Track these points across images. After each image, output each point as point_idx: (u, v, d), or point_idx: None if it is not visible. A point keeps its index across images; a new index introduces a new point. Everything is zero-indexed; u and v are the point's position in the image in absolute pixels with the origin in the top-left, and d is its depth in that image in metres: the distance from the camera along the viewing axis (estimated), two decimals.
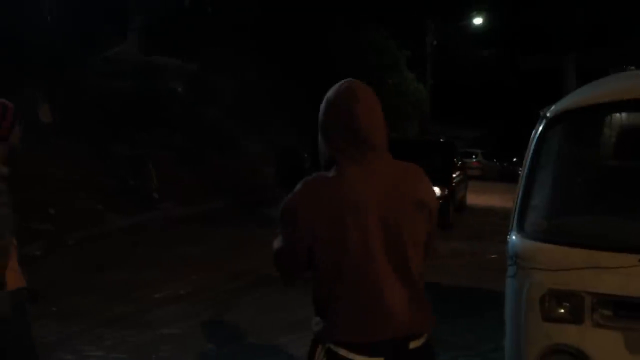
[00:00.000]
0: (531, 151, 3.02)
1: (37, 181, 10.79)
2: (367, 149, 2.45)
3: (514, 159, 32.47)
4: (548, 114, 3.06)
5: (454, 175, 15.35)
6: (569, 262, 2.68)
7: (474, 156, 32.55)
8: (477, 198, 18.35)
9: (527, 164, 3.02)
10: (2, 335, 3.52)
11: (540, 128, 3.04)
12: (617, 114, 3.09)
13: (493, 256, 9.23)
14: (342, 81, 2.58)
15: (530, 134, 3.08)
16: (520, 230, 2.92)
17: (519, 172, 3.12)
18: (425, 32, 35.52)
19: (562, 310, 2.71)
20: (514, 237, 2.94)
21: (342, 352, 2.41)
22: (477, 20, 35.84)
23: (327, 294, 2.46)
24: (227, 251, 10.23)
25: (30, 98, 13.09)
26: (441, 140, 18.18)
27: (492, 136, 40.05)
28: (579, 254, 2.68)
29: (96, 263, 8.96)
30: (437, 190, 14.07)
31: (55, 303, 6.64)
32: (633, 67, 3.62)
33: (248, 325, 6.26)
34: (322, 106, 2.56)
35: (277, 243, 2.53)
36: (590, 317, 2.67)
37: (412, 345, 2.41)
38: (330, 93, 2.56)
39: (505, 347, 2.96)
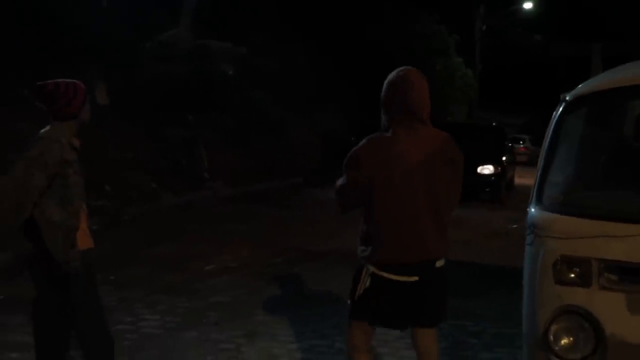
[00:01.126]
0: (550, 132, 3.33)
1: (94, 160, 11.35)
2: (414, 119, 3.42)
3: None
4: (567, 98, 3.36)
5: (504, 157, 16.68)
6: (580, 231, 2.97)
7: (521, 142, 32.42)
8: (524, 179, 18.57)
9: (547, 144, 3.33)
10: (73, 289, 3.96)
11: (559, 111, 3.35)
12: (632, 99, 3.37)
13: None
14: (400, 68, 3.53)
15: None
16: (539, 203, 3.24)
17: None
18: (475, 17, 35.40)
19: (573, 275, 3.00)
20: (532, 210, 3.25)
21: (384, 274, 3.33)
22: (528, 5, 35.53)
23: (375, 227, 3.38)
24: (273, 229, 10.65)
25: (88, 81, 13.69)
26: (493, 124, 19.51)
27: (539, 122, 39.77)
28: (589, 224, 2.97)
29: (150, 237, 9.46)
30: (490, 168, 15.44)
31: (113, 272, 7.12)
32: None
33: (290, 296, 6.66)
34: (384, 87, 3.50)
35: (340, 181, 3.50)
36: (597, 281, 2.96)
37: (438, 264, 3.45)
38: (390, 76, 3.50)
39: (523, 308, 3.27)
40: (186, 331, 5.56)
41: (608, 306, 2.94)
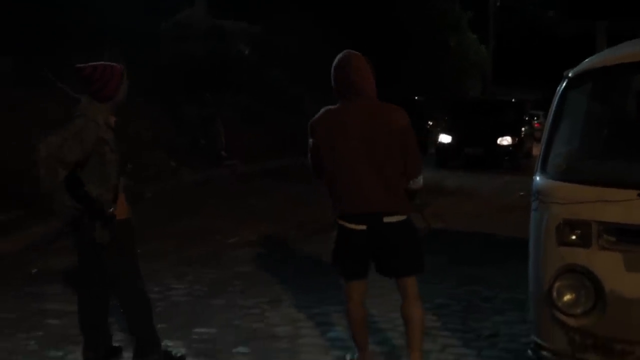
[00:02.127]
0: (554, 106, 3.58)
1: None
2: (358, 94, 3.94)
3: None
4: (570, 74, 3.61)
5: (523, 129, 18.10)
6: (581, 196, 3.23)
7: (535, 118, 32.45)
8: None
9: (551, 117, 3.58)
10: (108, 257, 4.26)
11: (563, 86, 3.60)
12: (632, 75, 3.61)
13: None
14: (344, 51, 4.08)
15: None
16: (543, 171, 3.50)
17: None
18: None
19: (574, 237, 3.26)
20: (537, 178, 3.52)
21: (342, 222, 3.95)
22: None
23: (331, 184, 3.98)
24: (291, 204, 10.94)
25: (108, 62, 13.95)
26: (513, 100, 20.47)
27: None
28: (589, 190, 3.23)
29: (172, 213, 9.78)
30: (508, 139, 16.79)
31: (140, 247, 7.39)
32: None
33: (310, 266, 6.94)
34: (332, 68, 4.03)
35: (309, 147, 4.08)
36: (597, 242, 3.21)
37: (386, 219, 3.88)
38: (335, 60, 4.05)
39: (529, 268, 3.55)
40: (213, 298, 5.89)
41: (607, 265, 3.20)
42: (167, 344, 4.59)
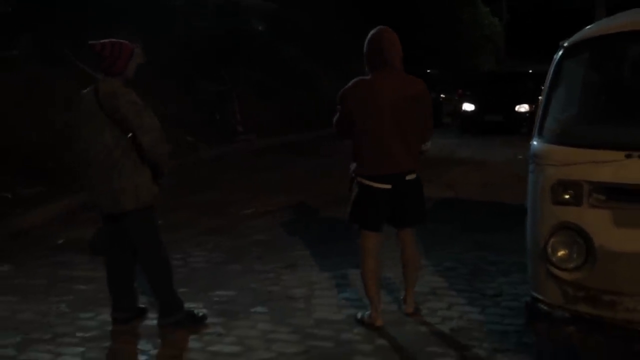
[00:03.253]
0: (550, 75, 3.80)
1: None
2: (387, 65, 4.37)
3: None
4: (565, 44, 3.83)
5: (539, 98, 18.05)
6: (573, 158, 3.46)
7: None
8: None
9: (547, 85, 3.81)
10: (130, 225, 4.56)
11: (559, 55, 3.82)
12: (623, 44, 3.82)
13: None
14: (377, 27, 4.49)
15: None
16: (540, 136, 3.74)
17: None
18: None
19: (567, 196, 3.49)
20: (534, 142, 3.76)
21: (366, 181, 4.40)
22: None
23: (359, 147, 4.42)
24: (307, 176, 11.19)
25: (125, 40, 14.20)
26: (530, 71, 21.01)
27: None
28: (581, 152, 3.45)
29: (190, 186, 10.05)
30: (526, 106, 17.54)
31: (161, 217, 7.70)
32: None
33: (325, 233, 7.19)
34: (366, 43, 4.46)
35: (335, 116, 4.51)
36: (588, 200, 3.43)
37: (408, 177, 4.42)
38: (370, 35, 4.46)
39: (526, 226, 3.79)
40: (231, 264, 6.18)
41: (597, 222, 3.43)
42: (190, 305, 4.88)
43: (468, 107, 18.78)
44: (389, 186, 4.36)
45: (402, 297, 4.90)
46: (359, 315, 4.72)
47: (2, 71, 10.84)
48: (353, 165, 4.48)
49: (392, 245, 5.00)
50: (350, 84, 4.44)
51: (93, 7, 13.57)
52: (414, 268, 4.72)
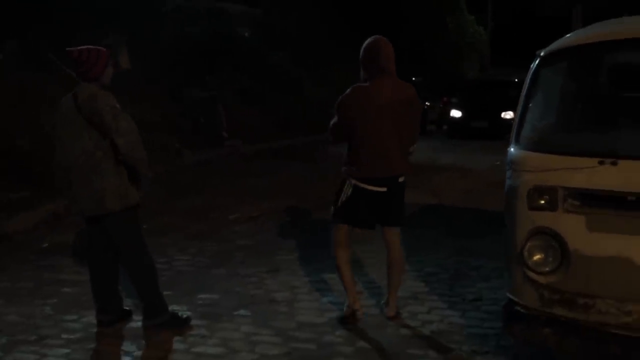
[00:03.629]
0: (527, 83, 3.91)
1: None
2: (383, 72, 4.57)
3: None
4: (542, 54, 3.93)
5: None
6: (548, 165, 3.56)
7: None
8: None
9: (524, 93, 3.91)
10: (112, 228, 4.62)
11: (535, 64, 3.93)
12: (596, 53, 3.93)
13: None
14: (373, 36, 4.71)
15: None
16: (516, 143, 3.84)
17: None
18: None
19: (543, 201, 3.58)
20: (511, 149, 3.86)
21: (361, 184, 4.58)
22: None
23: (356, 151, 4.59)
24: (292, 182, 11.26)
25: (111, 45, 14.25)
26: (516, 80, 21.73)
27: None
28: (556, 159, 3.55)
29: (175, 192, 10.10)
30: (510, 113, 18.21)
31: (145, 222, 7.74)
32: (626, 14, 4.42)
33: (309, 239, 7.25)
34: (362, 50, 4.66)
35: (333, 121, 4.69)
36: (563, 206, 3.53)
37: (400, 179, 4.65)
38: (366, 43, 4.66)
39: (504, 230, 3.88)
40: (215, 268, 6.24)
41: (571, 226, 3.53)
42: (174, 308, 4.94)
43: (456, 113, 19.77)
44: (384, 189, 4.58)
45: (383, 301, 5.01)
46: (340, 314, 4.88)
47: None
48: (347, 169, 4.67)
49: (376, 249, 5.08)
50: (348, 91, 4.61)
51: (81, 12, 13.60)
52: (399, 271, 4.86)
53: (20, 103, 10.80)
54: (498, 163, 10.57)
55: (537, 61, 3.95)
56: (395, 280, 4.88)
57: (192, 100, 15.01)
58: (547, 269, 3.63)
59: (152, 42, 15.50)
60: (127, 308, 5.00)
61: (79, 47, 4.52)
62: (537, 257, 3.66)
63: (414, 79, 22.48)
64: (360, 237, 5.25)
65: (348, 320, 4.77)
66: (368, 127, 4.52)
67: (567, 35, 4.13)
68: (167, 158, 12.57)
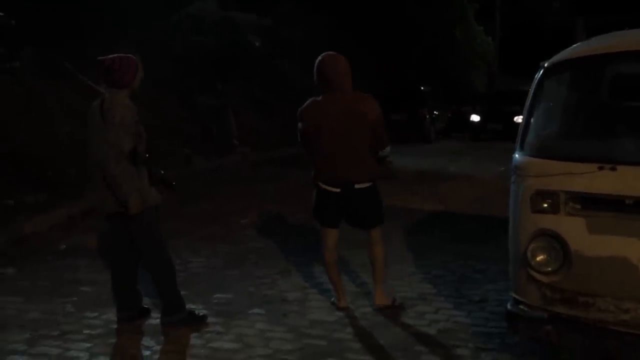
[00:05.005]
0: (532, 93, 4.11)
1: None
2: (334, 87, 4.95)
3: None
4: (545, 65, 4.13)
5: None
6: (551, 170, 3.75)
7: None
8: None
9: (529, 103, 4.10)
10: (135, 228, 4.82)
11: (539, 75, 4.13)
12: (599, 65, 4.13)
13: None
14: (323, 54, 5.08)
15: None
16: (521, 149, 4.03)
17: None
18: None
19: (545, 205, 3.77)
20: (516, 155, 4.05)
21: (322, 185, 5.07)
22: None
23: (315, 158, 5.03)
24: (301, 188, 11.25)
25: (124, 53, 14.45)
26: (527, 90, 22.83)
27: None
28: (558, 164, 3.74)
29: (187, 197, 10.27)
30: (520, 119, 19.43)
31: None
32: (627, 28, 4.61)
33: (316, 241, 7.30)
34: (314, 68, 5.01)
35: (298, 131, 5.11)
36: (564, 209, 3.71)
37: (357, 186, 4.98)
38: (317, 61, 5.02)
39: (509, 233, 4.07)
40: (229, 270, 6.44)
41: (572, 229, 3.71)
42: (190, 306, 5.13)
43: (475, 118, 22.79)
44: (337, 190, 4.98)
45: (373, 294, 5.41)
46: (333, 299, 5.41)
47: (4, 83, 11.11)
48: (313, 172, 5.13)
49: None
50: (306, 103, 5.07)
51: (93, 22, 13.87)
52: (379, 264, 5.23)
53: (36, 109, 11.05)
54: (502, 169, 10.78)
55: (541, 72, 4.14)
56: (377, 274, 5.27)
57: (203, 107, 15.23)
58: (549, 269, 3.81)
59: (163, 50, 15.74)
60: (146, 306, 5.20)
61: (110, 56, 4.73)
62: (540, 257, 3.84)
63: (422, 88, 22.76)
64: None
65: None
66: (320, 138, 4.93)
67: (570, 47, 4.32)
68: (178, 164, 12.79)
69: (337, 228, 5.24)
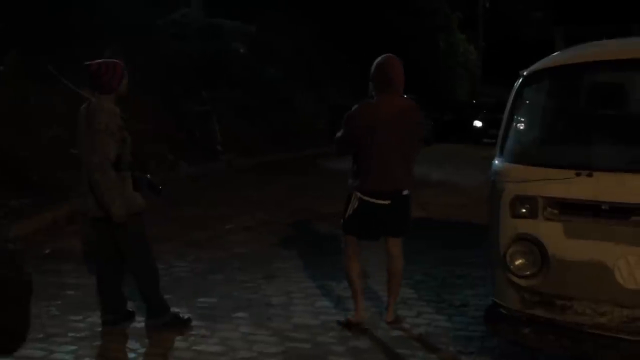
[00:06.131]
0: (511, 100, 4.21)
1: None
2: (392, 90, 4.80)
3: None
4: (525, 73, 4.24)
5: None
6: (529, 176, 3.85)
7: None
8: None
9: (507, 111, 4.20)
10: (119, 234, 4.86)
11: (518, 83, 4.23)
12: (575, 73, 4.24)
13: None
14: (385, 54, 4.93)
15: None
16: (500, 155, 4.12)
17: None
18: None
19: (524, 210, 3.86)
20: (495, 161, 4.14)
21: (366, 197, 4.78)
22: None
23: (362, 166, 4.80)
24: (285, 194, 11.52)
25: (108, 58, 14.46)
26: None
27: None
28: (536, 170, 3.84)
29: (172, 203, 10.31)
30: None
31: None
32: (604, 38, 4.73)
33: (303, 248, 7.53)
34: (373, 67, 4.86)
35: (339, 134, 4.93)
36: (542, 214, 3.81)
37: (404, 192, 4.84)
38: (377, 60, 4.88)
39: (488, 237, 4.16)
40: (213, 274, 6.48)
41: (550, 233, 3.80)
42: (174, 310, 5.18)
43: (477, 123, 25.52)
44: (388, 202, 4.77)
45: (385, 307, 5.21)
46: (342, 319, 5.09)
47: None
48: (353, 182, 4.85)
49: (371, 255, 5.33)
50: (357, 106, 4.84)
51: (78, 26, 13.87)
52: (397, 280, 5.05)
53: (20, 113, 11.04)
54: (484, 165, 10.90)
55: (520, 80, 4.25)
56: (395, 290, 5.08)
57: (187, 113, 15.26)
58: (527, 272, 3.90)
59: (148, 55, 15.75)
60: (131, 309, 5.24)
61: (97, 61, 4.78)
62: (518, 261, 3.93)
63: (405, 96, 22.99)
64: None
65: (349, 328, 4.96)
66: (373, 143, 4.70)
67: (547, 57, 4.43)
68: (162, 170, 12.80)
69: (378, 239, 5.05)
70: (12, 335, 3.27)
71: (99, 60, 4.84)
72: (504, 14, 37.24)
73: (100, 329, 5.01)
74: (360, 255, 5.07)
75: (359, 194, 4.80)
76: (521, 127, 4.22)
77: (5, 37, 12.54)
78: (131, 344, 4.79)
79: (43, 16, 13.47)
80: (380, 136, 4.70)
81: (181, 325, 4.98)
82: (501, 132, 4.20)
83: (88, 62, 4.83)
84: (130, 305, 5.28)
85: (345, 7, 23.49)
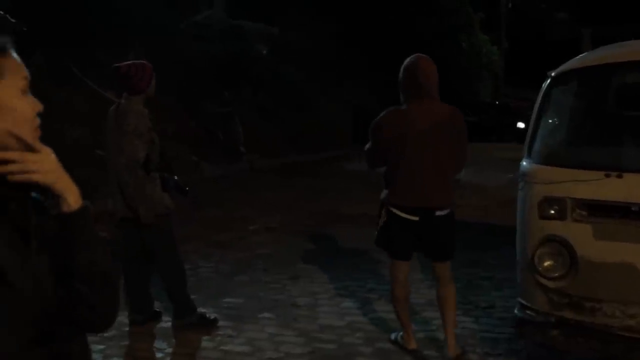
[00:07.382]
0: (539, 101, 4.19)
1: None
2: (424, 95, 4.24)
3: None
4: (553, 74, 4.22)
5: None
6: (558, 177, 3.84)
7: None
8: None
9: (536, 111, 4.19)
10: (148, 234, 4.89)
11: (546, 84, 4.21)
12: (604, 74, 4.21)
13: None
14: (413, 55, 4.38)
15: None
16: (528, 157, 4.11)
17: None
18: None
19: (552, 211, 3.85)
20: (524, 162, 4.13)
21: (395, 210, 4.30)
22: None
23: (391, 177, 4.35)
24: (307, 196, 11.53)
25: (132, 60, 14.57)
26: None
27: None
28: (565, 171, 3.83)
29: (196, 203, 10.36)
30: (521, 124, 19.73)
31: None
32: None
33: (326, 249, 7.57)
34: (401, 71, 4.33)
35: (367, 146, 4.47)
36: (571, 215, 3.79)
37: (438, 213, 4.29)
38: (406, 62, 4.33)
39: (516, 239, 4.15)
40: (238, 275, 6.52)
41: (579, 235, 3.79)
42: (201, 310, 5.21)
43: (521, 125, 25.79)
44: (416, 218, 4.27)
45: (444, 339, 4.63)
46: (393, 336, 4.82)
47: None
48: (384, 193, 4.42)
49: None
50: (384, 113, 4.34)
51: (100, 28, 14.00)
52: (451, 306, 4.51)
53: (44, 114, 11.12)
54: (510, 175, 10.86)
55: (548, 81, 4.23)
56: (449, 317, 4.49)
57: (210, 115, 15.33)
58: (556, 274, 3.89)
59: (170, 57, 15.85)
60: (157, 309, 5.28)
61: (126, 62, 4.83)
62: (547, 263, 3.92)
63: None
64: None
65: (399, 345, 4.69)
66: (403, 154, 4.22)
67: (577, 57, 4.41)
68: (186, 171, 12.87)
69: (409, 260, 4.52)
70: None
71: (129, 62, 4.89)
72: (526, 14, 37.01)
73: (127, 328, 5.05)
74: (407, 276, 4.58)
75: (389, 206, 4.37)
76: (549, 128, 4.20)
77: (31, 39, 12.68)
78: (158, 343, 4.83)
79: (65, 18, 13.59)
80: (411, 148, 4.19)
81: (208, 326, 5.01)
82: (529, 133, 4.19)
83: (117, 64, 4.88)
84: (157, 306, 5.32)
85: (367, 7, 23.45)
